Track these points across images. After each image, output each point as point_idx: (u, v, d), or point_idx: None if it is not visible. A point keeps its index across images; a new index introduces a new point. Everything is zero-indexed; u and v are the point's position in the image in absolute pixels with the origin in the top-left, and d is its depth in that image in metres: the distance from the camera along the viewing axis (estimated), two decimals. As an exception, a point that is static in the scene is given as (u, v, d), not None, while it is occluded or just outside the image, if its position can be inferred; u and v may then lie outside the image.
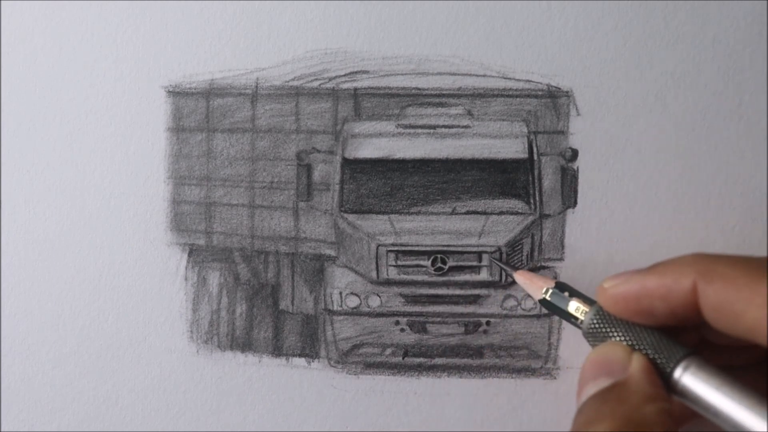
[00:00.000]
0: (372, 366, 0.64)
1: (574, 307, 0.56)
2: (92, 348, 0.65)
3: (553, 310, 0.58)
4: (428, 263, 0.63)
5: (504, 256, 0.63)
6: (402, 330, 0.64)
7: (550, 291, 0.58)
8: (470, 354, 0.64)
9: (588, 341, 0.55)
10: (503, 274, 0.63)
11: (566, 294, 0.57)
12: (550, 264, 0.63)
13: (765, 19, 0.62)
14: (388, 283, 0.64)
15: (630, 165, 0.63)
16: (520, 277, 0.60)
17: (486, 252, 0.63)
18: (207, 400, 0.65)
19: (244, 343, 0.65)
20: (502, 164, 0.64)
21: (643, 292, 0.51)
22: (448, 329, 0.64)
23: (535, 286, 0.59)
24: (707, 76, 0.62)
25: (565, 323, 0.63)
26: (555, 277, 0.63)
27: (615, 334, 0.53)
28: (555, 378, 0.64)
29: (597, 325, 0.54)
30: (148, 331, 0.65)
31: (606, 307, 0.53)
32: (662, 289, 0.50)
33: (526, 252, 0.64)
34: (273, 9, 0.63)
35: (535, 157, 0.64)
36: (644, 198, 0.63)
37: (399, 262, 0.63)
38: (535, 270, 0.64)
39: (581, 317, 0.56)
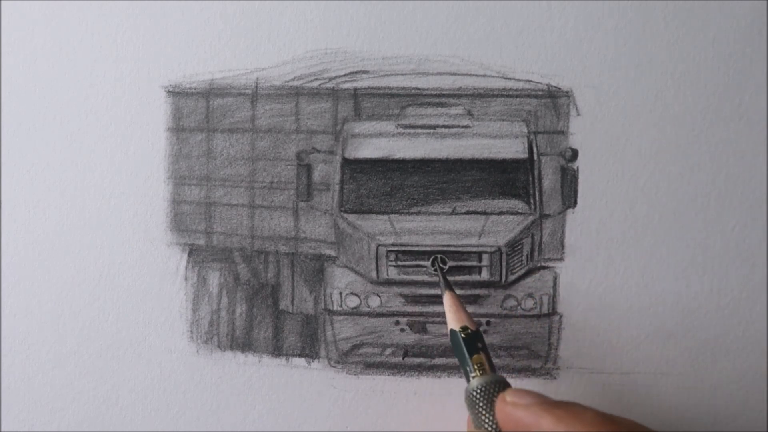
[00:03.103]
0: (372, 366, 0.64)
1: (481, 360, 0.55)
2: (92, 348, 0.65)
3: (455, 348, 0.57)
4: (428, 263, 0.63)
5: (504, 256, 0.63)
6: (402, 330, 0.64)
7: (468, 332, 0.57)
8: (470, 354, 0.64)
9: (465, 401, 0.55)
10: (503, 274, 0.63)
11: (479, 344, 0.56)
12: (550, 264, 0.63)
13: (765, 19, 0.62)
14: (388, 283, 0.64)
15: (630, 165, 0.63)
16: (452, 299, 0.59)
17: (486, 252, 0.63)
18: (207, 400, 0.65)
19: (244, 343, 0.65)
20: (502, 164, 0.64)
21: (534, 427, 0.50)
22: (448, 329, 0.64)
23: (458, 316, 0.58)
24: (707, 76, 0.62)
25: (565, 323, 0.63)
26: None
27: (488, 419, 0.53)
28: (555, 378, 0.64)
29: (478, 396, 0.54)
30: (148, 331, 0.65)
31: (498, 418, 0.52)
32: None
33: (526, 252, 0.64)
34: (273, 9, 0.63)
35: (535, 157, 0.63)
36: (644, 198, 0.63)
37: (399, 262, 0.63)
38: (535, 270, 0.64)
39: (478, 373, 0.55)
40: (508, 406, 0.52)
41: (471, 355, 0.55)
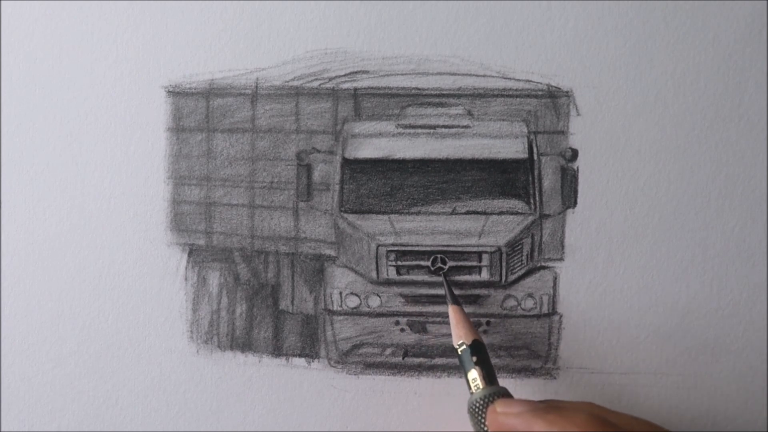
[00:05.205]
0: (372, 366, 0.64)
1: (473, 375, 0.57)
2: (92, 348, 0.65)
3: (459, 361, 0.58)
4: (428, 263, 0.63)
5: (504, 256, 0.63)
6: (402, 330, 0.64)
7: (463, 347, 0.58)
8: (470, 354, 0.64)
9: (468, 412, 0.56)
10: (503, 274, 0.63)
11: (474, 358, 0.57)
12: (550, 264, 0.63)
13: (765, 19, 0.62)
14: (388, 283, 0.64)
15: (630, 165, 0.63)
16: (453, 314, 0.60)
17: (486, 252, 0.63)
18: (207, 400, 0.65)
19: (244, 343, 0.65)
20: (502, 164, 0.64)
21: None
22: (448, 329, 0.64)
23: (456, 331, 0.59)
24: (707, 76, 0.62)
25: (565, 323, 0.63)
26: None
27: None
28: (555, 378, 0.64)
29: (480, 408, 0.55)
30: (148, 331, 0.65)
31: (492, 429, 0.53)
32: None
33: (526, 252, 0.64)
34: (273, 9, 0.63)
35: (535, 157, 0.64)
36: (644, 198, 0.63)
37: (399, 262, 0.63)
38: (535, 270, 0.64)
39: (473, 389, 0.56)
40: (500, 416, 0.53)
41: (469, 369, 0.57)
